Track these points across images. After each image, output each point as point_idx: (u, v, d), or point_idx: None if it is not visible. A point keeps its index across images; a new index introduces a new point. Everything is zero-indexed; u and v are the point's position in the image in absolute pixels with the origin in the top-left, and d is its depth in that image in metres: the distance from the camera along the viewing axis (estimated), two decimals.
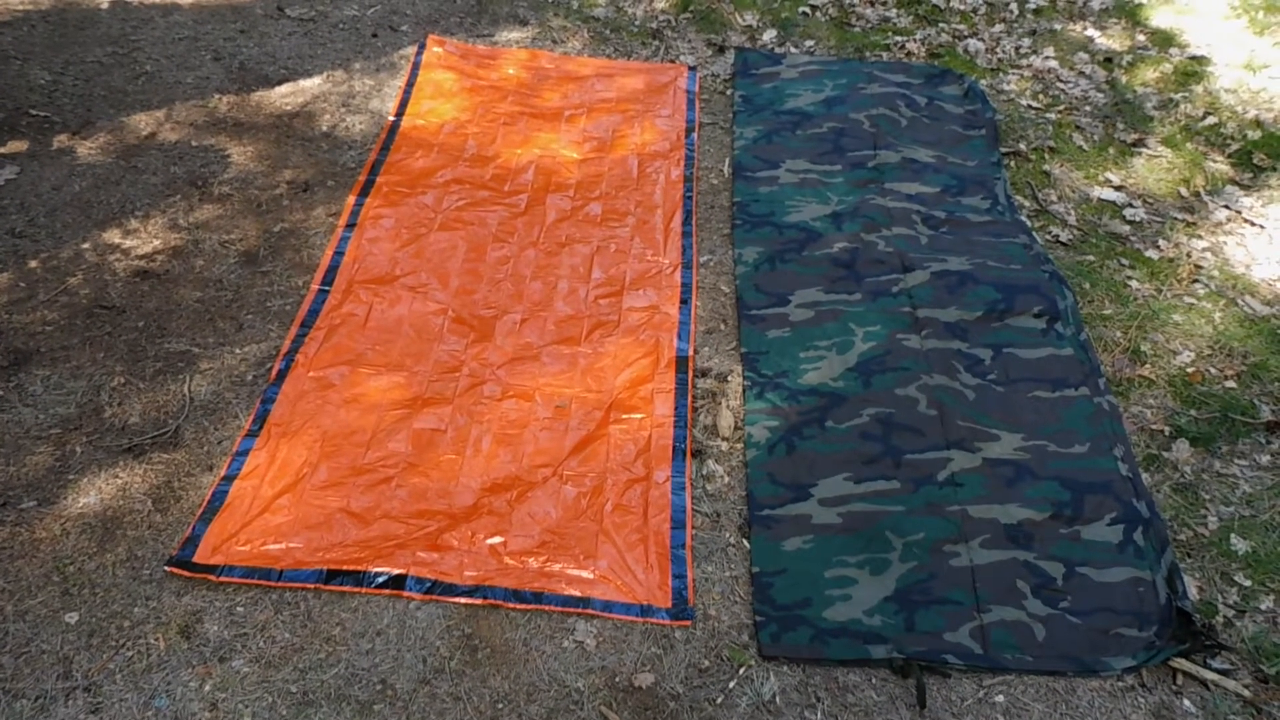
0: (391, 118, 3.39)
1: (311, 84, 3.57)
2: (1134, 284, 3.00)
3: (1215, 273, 3.07)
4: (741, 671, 2.00)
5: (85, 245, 2.79)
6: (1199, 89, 3.89)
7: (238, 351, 2.55)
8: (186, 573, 2.04)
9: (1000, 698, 1.99)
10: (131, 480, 2.23)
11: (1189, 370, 2.71)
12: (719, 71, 3.85)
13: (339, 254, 2.82)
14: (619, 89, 3.64)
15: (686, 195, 3.18)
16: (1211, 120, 3.73)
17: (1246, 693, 2.02)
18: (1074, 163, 3.52)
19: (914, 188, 3.25)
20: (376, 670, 1.93)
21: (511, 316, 2.69)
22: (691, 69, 3.80)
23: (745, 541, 2.24)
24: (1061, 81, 3.96)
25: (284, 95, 3.50)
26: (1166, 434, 2.55)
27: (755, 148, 3.41)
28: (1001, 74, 3.98)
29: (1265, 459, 2.49)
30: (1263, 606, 2.18)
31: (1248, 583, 2.23)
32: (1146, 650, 2.07)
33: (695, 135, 3.46)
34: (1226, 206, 3.36)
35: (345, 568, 2.07)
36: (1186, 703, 2.01)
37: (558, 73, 3.71)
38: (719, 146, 3.48)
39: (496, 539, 2.16)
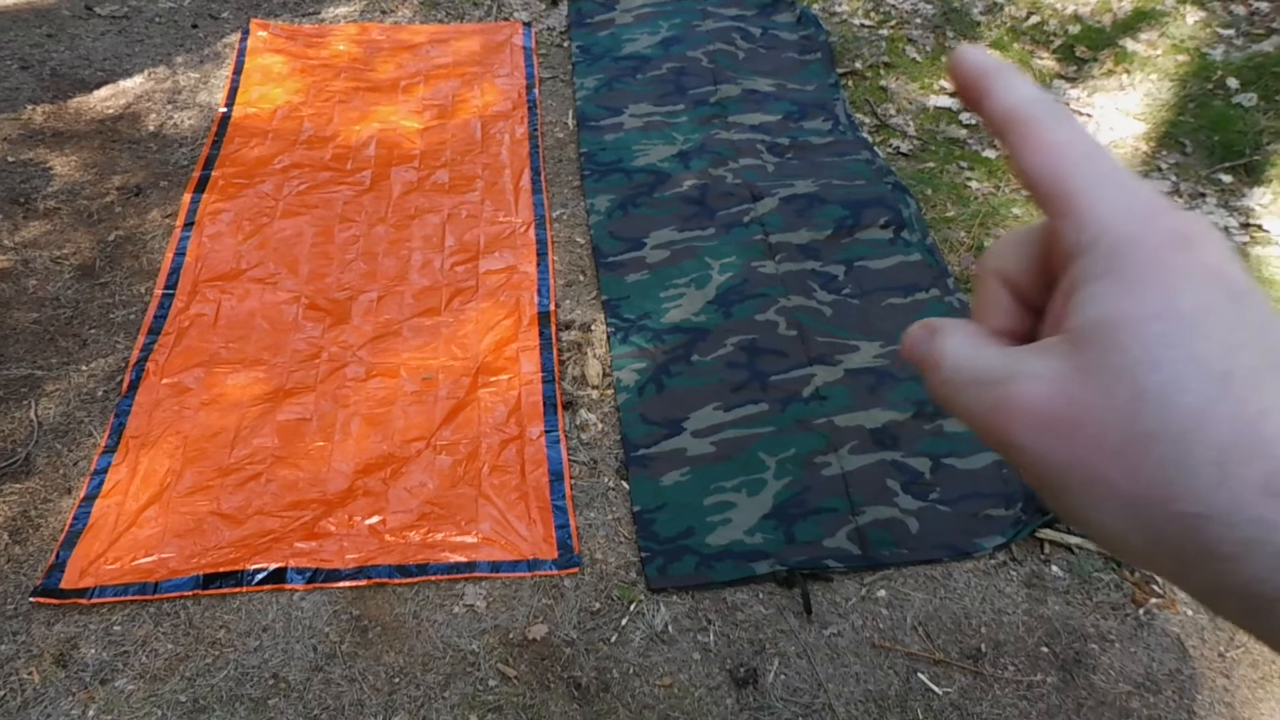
0: (221, 109, 3.28)
1: (133, 84, 3.42)
2: (974, 184, 3.11)
3: None
4: (632, 608, 2.04)
5: None
6: None
7: (84, 368, 2.46)
8: (55, 600, 1.98)
9: (882, 592, 2.08)
10: None
11: None
12: (554, 24, 3.83)
13: (180, 255, 2.73)
14: (455, 53, 3.59)
15: (533, 152, 3.16)
16: (1035, 19, 3.86)
17: (1107, 550, 2.15)
18: (909, 75, 3.61)
19: (757, 118, 3.29)
20: (267, 666, 1.91)
21: (367, 295, 2.66)
22: (526, 25, 3.77)
23: (624, 483, 2.27)
24: None
25: (104, 98, 3.35)
26: None
27: (597, 97, 3.41)
28: None
29: None
30: None
31: None
32: (1014, 526, 2.18)
33: (536, 91, 3.43)
34: (1056, 100, 3.49)
35: (222, 569, 2.04)
36: (1055, 568, 2.13)
37: (390, 43, 3.63)
38: (561, 100, 3.46)
39: (375, 519, 2.15)
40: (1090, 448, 0.29)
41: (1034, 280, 0.34)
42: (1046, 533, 2.18)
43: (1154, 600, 2.08)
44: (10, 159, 3.05)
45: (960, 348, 0.33)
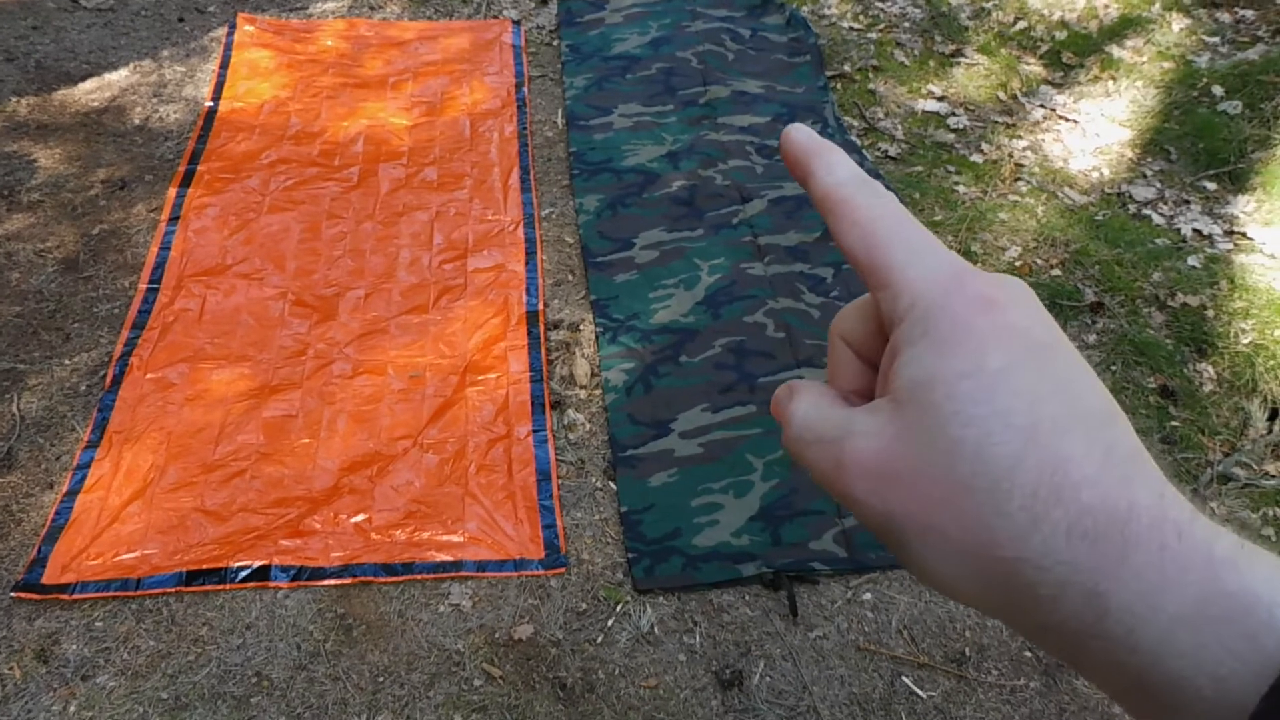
0: (208, 103, 3.25)
1: (118, 77, 3.39)
2: (961, 189, 3.12)
3: (1036, 169, 3.22)
4: (619, 609, 2.03)
5: None
6: None
7: (67, 362, 2.44)
8: (36, 595, 1.96)
9: (868, 595, 2.08)
10: None
11: (1017, 264, 2.85)
12: (544, 23, 3.82)
13: (165, 249, 2.71)
14: (444, 50, 3.58)
15: (522, 151, 3.15)
16: (1022, 25, 3.88)
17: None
18: (897, 79, 3.62)
19: (746, 119, 3.29)
20: (250, 664, 1.90)
21: (355, 292, 2.64)
22: (515, 23, 3.76)
23: (611, 484, 2.26)
24: (880, 1, 4.05)
25: (89, 91, 3.32)
26: None
27: (587, 96, 3.41)
28: None
29: (1092, 338, 2.64)
30: None
31: None
32: None
33: (525, 90, 3.43)
34: (1042, 106, 3.51)
35: (206, 566, 2.02)
36: None
37: (378, 39, 3.61)
38: (550, 99, 3.45)
39: (360, 517, 2.14)
40: (918, 499, 0.31)
41: (874, 344, 0.36)
42: None
43: None
44: None
45: (809, 408, 0.35)
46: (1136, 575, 0.28)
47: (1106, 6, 3.91)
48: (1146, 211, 3.06)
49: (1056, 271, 2.82)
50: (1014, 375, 0.30)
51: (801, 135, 0.37)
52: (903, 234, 0.34)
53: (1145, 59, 3.64)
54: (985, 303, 0.32)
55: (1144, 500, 0.29)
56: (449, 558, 2.08)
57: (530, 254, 2.78)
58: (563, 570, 2.08)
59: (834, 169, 0.36)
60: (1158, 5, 3.85)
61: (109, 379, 2.38)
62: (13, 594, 1.96)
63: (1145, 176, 3.20)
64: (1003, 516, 0.29)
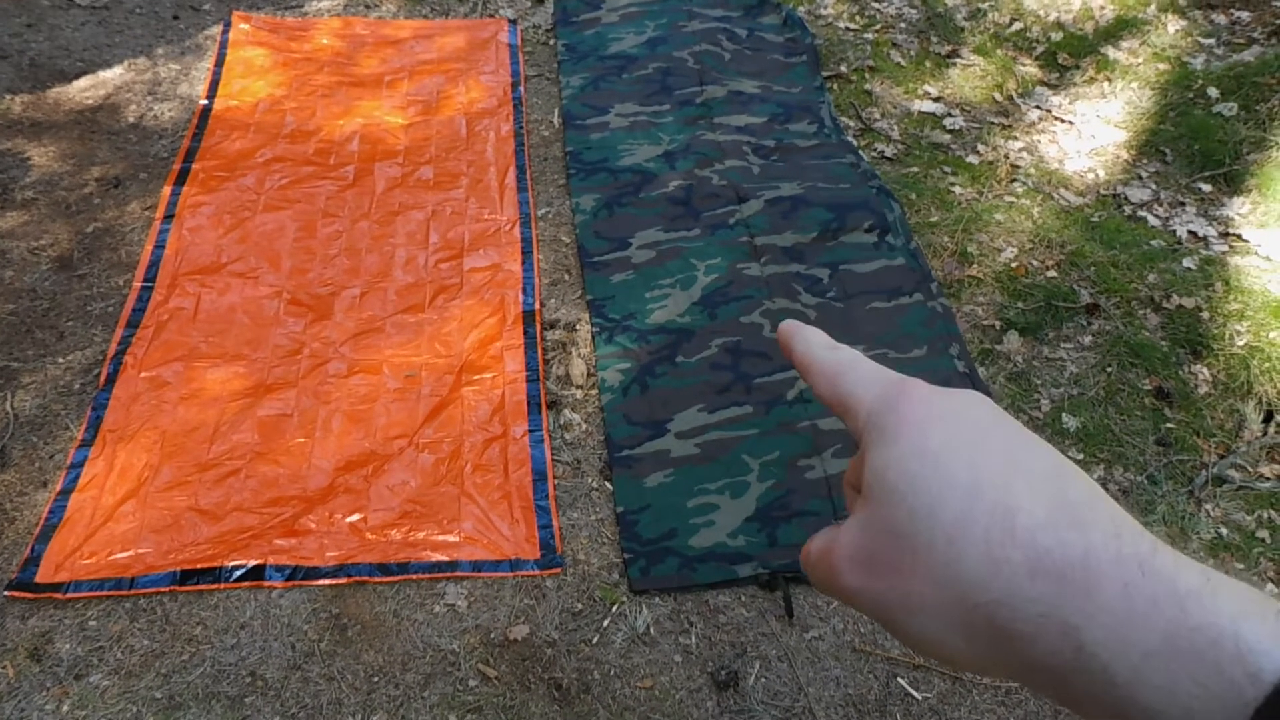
0: (203, 101, 3.24)
1: (113, 74, 3.38)
2: (957, 189, 3.12)
3: (1032, 171, 3.22)
4: (614, 609, 2.03)
5: None
6: None
7: (61, 361, 2.43)
8: (29, 594, 1.95)
9: None
10: None
11: (1013, 265, 2.85)
12: (540, 22, 3.81)
13: (159, 248, 2.70)
14: (439, 49, 3.57)
15: (518, 150, 3.15)
16: (1018, 26, 3.88)
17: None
18: (893, 79, 3.62)
19: (742, 119, 3.29)
20: (244, 663, 1.90)
21: (350, 291, 2.64)
22: (512, 22, 3.75)
23: (608, 484, 2.26)
24: (876, 1, 4.05)
25: (84, 89, 3.31)
26: (997, 328, 2.67)
27: (583, 95, 3.40)
28: None
29: (1088, 339, 2.65)
30: (1094, 476, 2.30)
31: (1080, 455, 2.37)
32: None
33: (522, 89, 3.42)
34: (1038, 107, 3.52)
35: (200, 566, 2.01)
36: None
37: (374, 38, 3.61)
38: (547, 98, 3.45)
39: (355, 516, 2.13)
40: (895, 573, 0.34)
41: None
42: None
43: None
44: None
45: (814, 544, 0.41)
46: (1104, 610, 0.30)
47: (1102, 8, 3.91)
48: (1142, 213, 3.06)
49: (1052, 273, 2.82)
50: (955, 448, 0.34)
51: (789, 326, 0.46)
52: (855, 372, 0.41)
53: (1141, 60, 3.65)
54: (923, 398, 0.37)
55: (1099, 539, 0.31)
56: (444, 558, 2.07)
57: (526, 253, 2.78)
58: (559, 570, 2.08)
59: (810, 341, 0.44)
60: (1153, 7, 3.86)
61: (103, 377, 2.37)
62: (6, 593, 1.95)
63: (1140, 178, 3.20)
64: (965, 566, 0.32)
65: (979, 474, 0.33)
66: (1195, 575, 0.30)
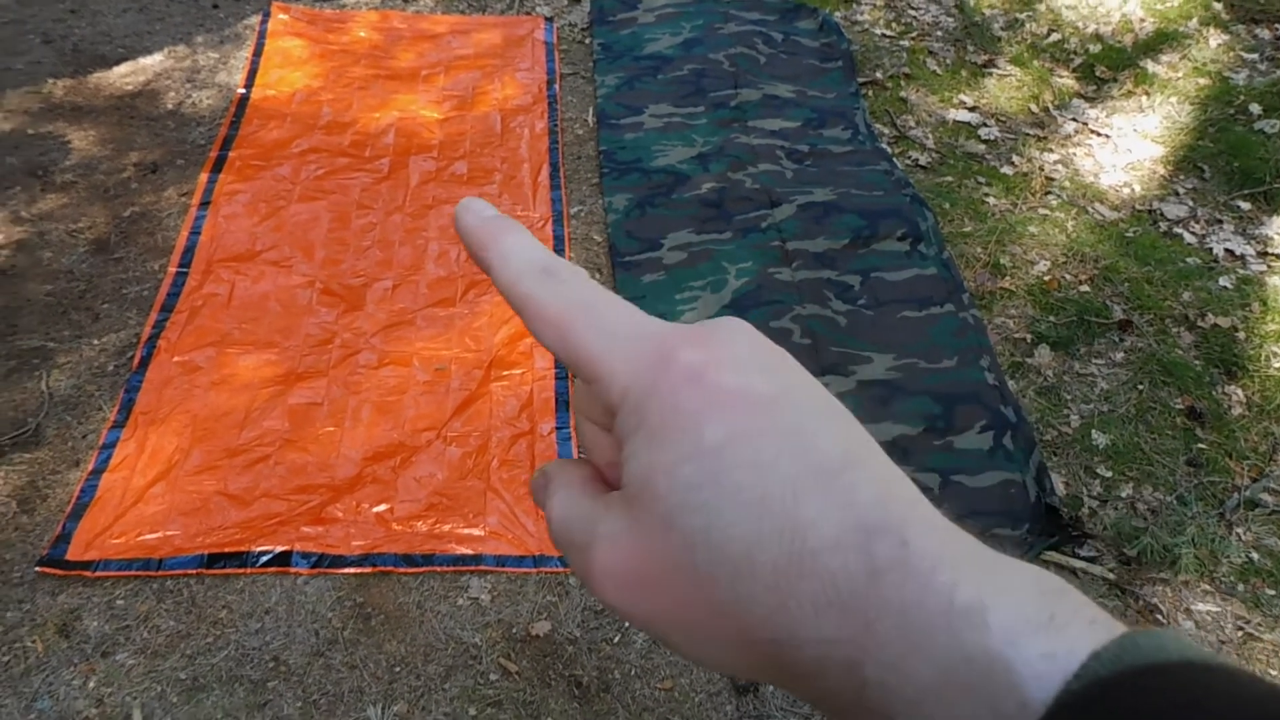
0: (240, 90, 3.27)
1: (152, 61, 3.42)
2: (991, 200, 3.10)
3: (1066, 183, 3.20)
4: None
5: None
6: (1042, 7, 4.02)
7: (96, 342, 2.45)
8: (60, 571, 1.97)
9: None
10: None
11: (1046, 278, 2.83)
12: (576, 20, 3.82)
13: (195, 234, 2.72)
14: (476, 45, 3.59)
15: (552, 148, 3.16)
16: (1055, 37, 3.86)
17: (1111, 575, 2.14)
18: (929, 87, 3.61)
19: (776, 123, 3.29)
20: (268, 648, 1.91)
21: (382, 283, 2.65)
22: (548, 20, 3.76)
23: None
24: (913, 9, 4.04)
25: (124, 75, 3.34)
26: (1028, 341, 2.66)
27: (618, 95, 3.41)
28: (854, 5, 4.04)
29: (1119, 356, 2.63)
30: (1123, 494, 2.31)
31: (1109, 474, 2.35)
32: (1020, 547, 2.17)
33: (557, 87, 3.43)
34: (1074, 119, 3.49)
35: (227, 550, 2.03)
36: None
37: (411, 32, 3.62)
38: (582, 96, 3.46)
39: (382, 507, 2.14)
40: (669, 599, 0.29)
41: (610, 419, 0.33)
42: (1052, 555, 2.18)
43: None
44: (30, 132, 3.04)
45: (562, 504, 0.33)
46: (883, 645, 0.27)
47: (1142, 21, 3.88)
48: (1178, 230, 3.04)
49: (1085, 287, 2.80)
50: (736, 445, 0.28)
51: (470, 218, 0.34)
52: (597, 321, 0.31)
53: (1181, 74, 3.62)
54: (693, 375, 0.29)
55: (885, 552, 0.27)
56: (469, 551, 2.08)
57: (558, 251, 2.77)
58: None
59: (509, 260, 0.33)
60: (1195, 20, 3.82)
61: (136, 360, 2.39)
62: (37, 568, 1.98)
63: (1177, 194, 3.18)
64: (751, 601, 0.28)
65: (769, 480, 0.28)
66: (972, 588, 0.26)
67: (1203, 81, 3.57)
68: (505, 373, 2.45)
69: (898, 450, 2.32)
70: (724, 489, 0.28)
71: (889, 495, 0.28)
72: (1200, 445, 2.41)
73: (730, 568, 0.28)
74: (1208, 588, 2.14)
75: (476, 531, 2.12)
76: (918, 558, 0.27)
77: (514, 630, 1.97)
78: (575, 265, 0.33)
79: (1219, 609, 2.11)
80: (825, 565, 0.27)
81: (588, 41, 3.72)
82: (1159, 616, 2.09)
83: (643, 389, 0.30)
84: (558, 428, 2.33)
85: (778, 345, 0.32)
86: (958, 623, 0.26)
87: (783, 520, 0.27)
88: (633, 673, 1.93)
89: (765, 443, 0.28)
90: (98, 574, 1.97)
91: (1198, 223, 3.07)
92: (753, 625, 0.28)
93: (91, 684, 1.83)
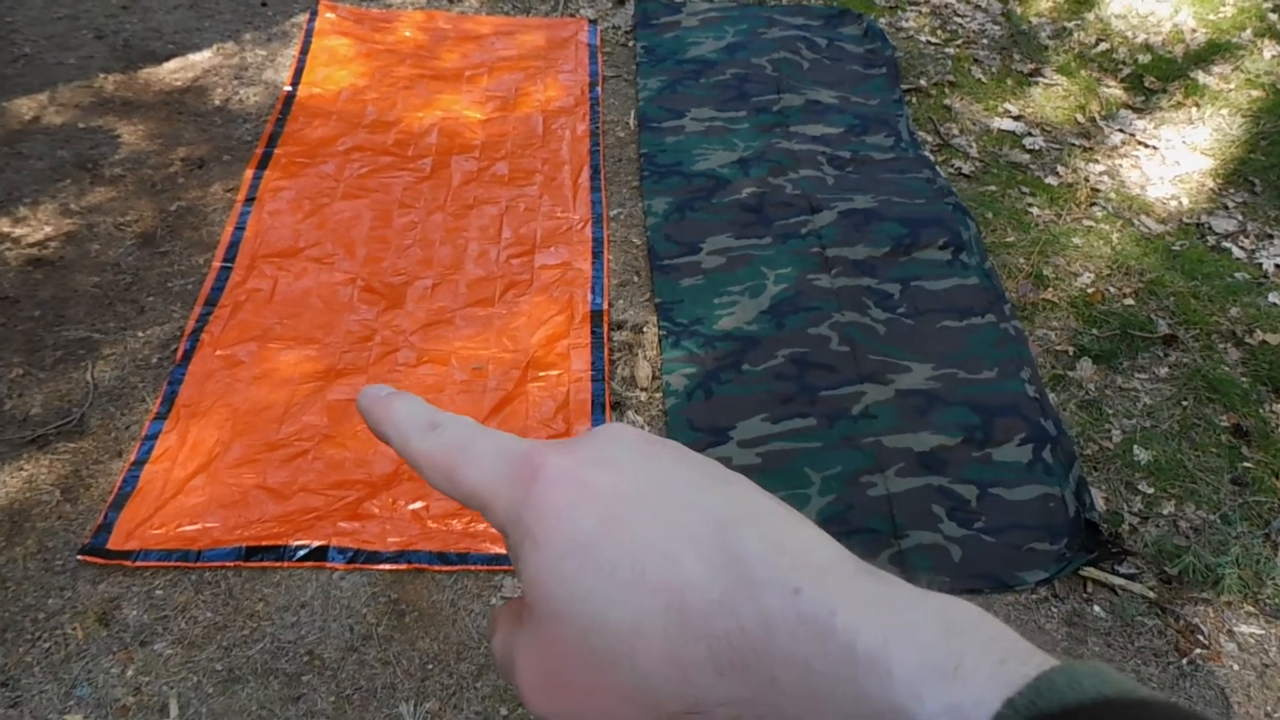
0: (287, 88, 3.31)
1: (201, 58, 3.46)
2: (1035, 211, 3.07)
3: (1112, 195, 3.16)
4: None
5: None
6: (1090, 16, 3.97)
7: (140, 335, 2.49)
8: (101, 560, 2.00)
9: None
10: (37, 472, 2.17)
11: (1090, 291, 2.79)
12: (620, 23, 3.82)
13: (239, 229, 2.75)
14: (519, 46, 3.60)
15: (593, 150, 3.16)
16: (1104, 46, 3.81)
17: (1151, 594, 2.11)
18: (973, 95, 3.57)
19: (818, 129, 3.27)
20: (303, 642, 1.93)
21: (422, 282, 2.67)
22: (592, 22, 3.77)
23: None
24: (958, 16, 4.01)
25: (173, 71, 3.39)
26: (1070, 354, 2.62)
27: (660, 98, 3.41)
28: (899, 11, 4.01)
29: (1163, 371, 2.58)
30: (1164, 511, 2.27)
31: (1150, 490, 2.32)
32: (1058, 562, 2.15)
33: (599, 89, 3.43)
34: (1121, 130, 3.45)
35: (265, 543, 2.05)
36: (1097, 609, 2.10)
37: (456, 32, 3.65)
38: (624, 99, 3.46)
39: (418, 504, 2.15)
40: (580, 693, 0.30)
41: None
42: (1091, 571, 2.15)
43: (1199, 650, 2.04)
44: (81, 125, 3.09)
45: (497, 639, 0.34)
46: (789, 699, 0.26)
47: (1194, 31, 3.82)
48: (1226, 244, 2.99)
49: (1129, 301, 2.76)
50: (610, 529, 0.29)
51: (365, 401, 0.36)
52: (474, 456, 0.33)
53: (1232, 86, 3.56)
54: (561, 477, 0.31)
55: (776, 604, 0.26)
56: (503, 551, 2.09)
57: (597, 253, 2.79)
58: None
59: (400, 424, 0.35)
60: (1248, 31, 3.76)
61: (180, 353, 2.42)
62: (79, 556, 2.01)
63: (1226, 208, 3.12)
64: (653, 676, 0.28)
65: (643, 556, 0.28)
66: (876, 632, 0.25)
67: (1255, 93, 3.51)
68: (542, 373, 2.45)
69: (935, 461, 2.30)
70: (603, 571, 0.28)
71: (778, 546, 0.28)
72: (1245, 464, 2.37)
73: (625, 646, 0.28)
74: (1251, 609, 2.10)
75: None
76: (812, 605, 0.26)
77: None
78: (459, 416, 0.35)
79: (1263, 631, 2.07)
80: (715, 626, 0.27)
81: (631, 44, 3.72)
82: (1200, 637, 2.05)
83: (519, 502, 0.31)
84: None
85: (662, 437, 0.33)
86: (861, 674, 0.25)
87: (663, 590, 0.28)
88: None
89: (638, 520, 0.29)
90: (138, 564, 2.00)
91: (1247, 237, 3.02)
92: (661, 701, 0.28)
93: (130, 672, 1.85)
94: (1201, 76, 3.62)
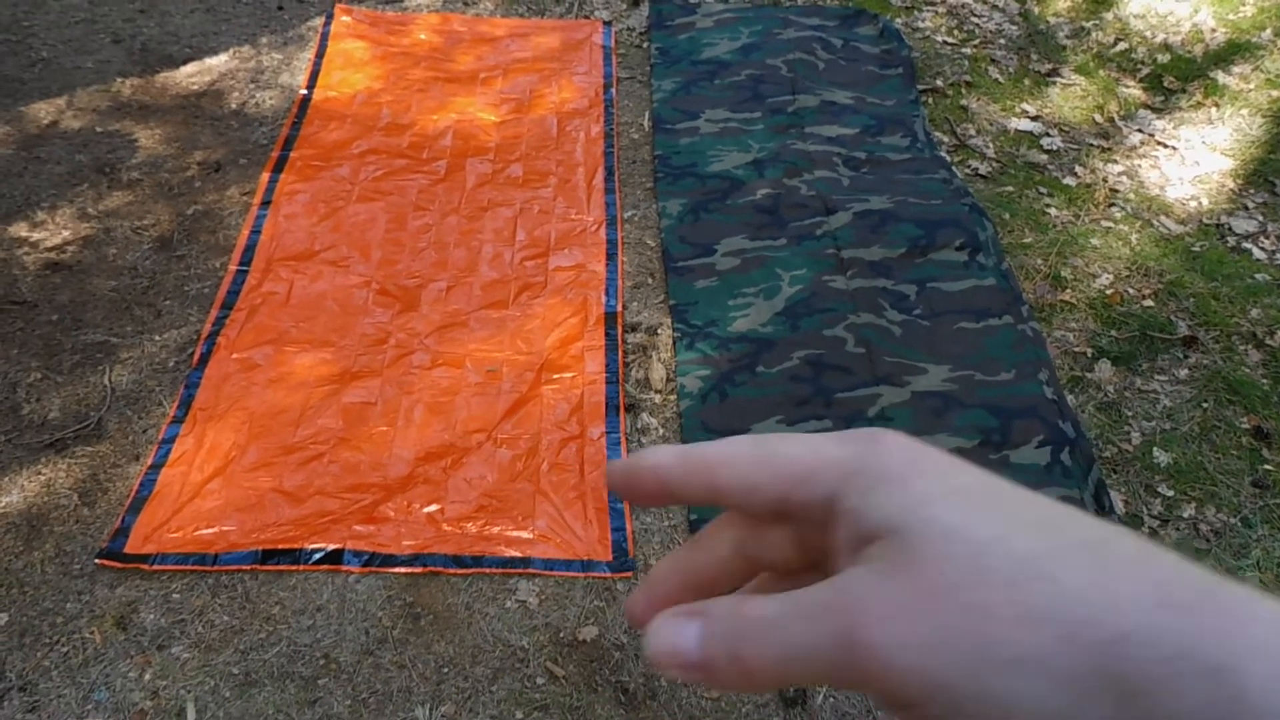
0: (303, 91, 3.32)
1: (218, 62, 3.48)
2: (1053, 211, 3.05)
3: (1131, 196, 3.13)
4: None
5: None
6: (1109, 16, 3.94)
7: (157, 338, 2.50)
8: (118, 564, 2.01)
9: None
10: (55, 475, 2.18)
11: (1108, 292, 2.77)
12: (634, 25, 3.82)
13: (255, 233, 2.76)
14: (534, 48, 3.60)
15: (607, 152, 3.16)
16: (1122, 46, 3.78)
17: None
18: (990, 96, 3.55)
19: (834, 130, 3.26)
20: (319, 645, 1.93)
21: (437, 285, 2.67)
22: (606, 24, 3.77)
23: None
24: (975, 16, 3.98)
25: (190, 75, 3.41)
26: (1089, 355, 2.60)
27: (674, 100, 3.40)
28: (916, 11, 3.99)
29: (1183, 373, 2.56)
30: (1184, 514, 2.25)
31: (1170, 493, 2.29)
32: None
33: (613, 91, 3.43)
34: (1140, 130, 3.42)
35: (281, 546, 2.06)
36: None
37: (471, 35, 3.65)
38: (638, 101, 3.45)
39: (433, 507, 2.16)
40: (966, 616, 0.25)
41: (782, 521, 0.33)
42: None
43: None
44: (98, 129, 3.11)
45: (765, 604, 0.29)
46: (1263, 650, 0.23)
47: (1213, 31, 3.79)
48: (1246, 245, 2.96)
49: (1149, 302, 2.74)
50: (986, 494, 0.28)
51: (623, 466, 0.34)
52: (787, 443, 0.31)
53: (1253, 86, 3.52)
54: (913, 443, 0.30)
55: (1215, 576, 0.24)
56: (518, 554, 2.09)
57: (611, 255, 2.78)
58: (630, 574, 2.08)
59: (665, 458, 0.33)
60: (1269, 31, 3.72)
61: (196, 357, 2.43)
62: (97, 560, 2.02)
63: (1247, 209, 3.09)
64: (1069, 598, 0.24)
65: (1040, 507, 0.27)
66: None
67: (1276, 94, 3.47)
68: (556, 376, 2.45)
69: None
70: (999, 511, 0.27)
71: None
72: (1266, 466, 2.34)
73: (1032, 565, 0.25)
74: None
75: (525, 534, 2.12)
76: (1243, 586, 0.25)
77: (561, 634, 1.97)
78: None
79: None
80: (1154, 568, 0.25)
81: (645, 46, 3.72)
82: None
83: (862, 454, 0.29)
84: (607, 432, 2.33)
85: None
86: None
87: (1075, 538, 0.26)
88: (679, 681, 1.92)
89: (1013, 504, 0.28)
90: (155, 567, 2.01)
91: (1268, 238, 2.99)
92: (1083, 625, 0.24)
93: (147, 676, 1.86)
94: (1221, 76, 3.59)
